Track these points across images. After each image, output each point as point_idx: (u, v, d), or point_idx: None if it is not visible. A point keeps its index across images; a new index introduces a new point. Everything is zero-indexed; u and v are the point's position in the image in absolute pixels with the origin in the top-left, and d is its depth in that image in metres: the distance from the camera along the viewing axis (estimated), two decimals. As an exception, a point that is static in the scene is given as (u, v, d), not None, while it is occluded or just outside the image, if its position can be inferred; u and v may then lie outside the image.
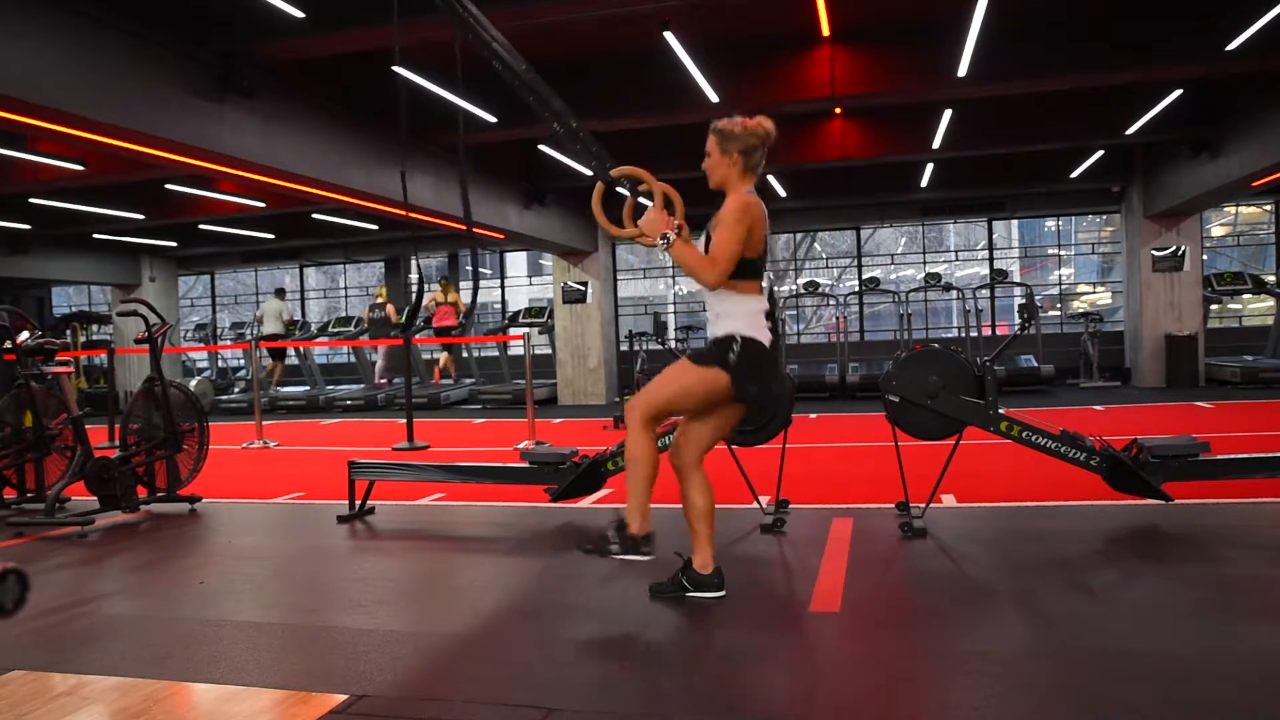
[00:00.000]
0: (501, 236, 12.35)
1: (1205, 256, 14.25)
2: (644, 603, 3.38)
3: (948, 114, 9.89)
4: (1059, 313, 16.67)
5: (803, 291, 15.71)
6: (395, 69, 3.53)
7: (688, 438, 3.43)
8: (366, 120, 8.73)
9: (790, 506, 4.71)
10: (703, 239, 3.34)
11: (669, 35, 7.04)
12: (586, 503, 5.36)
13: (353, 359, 16.32)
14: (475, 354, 16.34)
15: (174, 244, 16.44)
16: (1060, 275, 18.55)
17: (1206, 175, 10.74)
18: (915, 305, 15.08)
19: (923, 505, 4.50)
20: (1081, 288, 19.26)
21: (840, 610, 3.25)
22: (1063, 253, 18.38)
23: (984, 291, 14.81)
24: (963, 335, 15.05)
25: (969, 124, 10.29)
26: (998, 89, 8.74)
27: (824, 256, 20.94)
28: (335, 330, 15.26)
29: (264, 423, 10.15)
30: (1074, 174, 12.98)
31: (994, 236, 17.15)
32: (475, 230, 11.49)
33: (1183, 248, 13.02)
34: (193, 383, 15.10)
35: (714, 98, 8.16)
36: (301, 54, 7.45)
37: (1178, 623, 3.05)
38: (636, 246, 19.05)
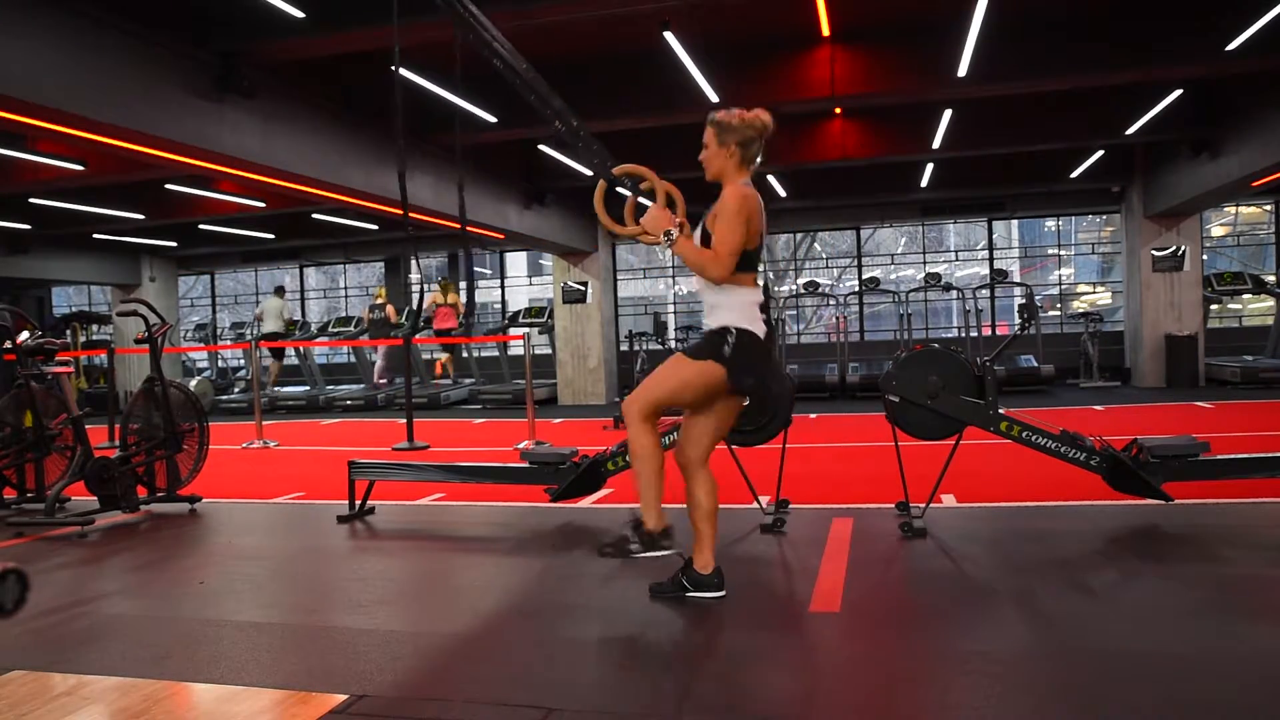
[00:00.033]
0: (501, 236, 12.34)
1: (1205, 256, 14.25)
2: (644, 603, 3.38)
3: (948, 114, 9.89)
4: (1059, 313, 16.67)
5: (803, 291, 15.71)
6: (395, 70, 3.53)
7: (691, 434, 3.43)
8: (366, 120, 8.73)
9: (790, 506, 4.71)
10: (699, 232, 3.34)
11: (669, 35, 7.05)
12: (586, 503, 5.36)
13: (353, 359, 16.33)
14: (475, 354, 16.34)
15: (174, 244, 16.44)
16: (1060, 275, 18.56)
17: (1206, 175, 10.74)
18: (915, 305, 15.08)
19: (923, 505, 4.50)
20: (1081, 288, 19.27)
21: (840, 610, 3.25)
22: (1063, 253, 18.39)
23: (984, 291, 14.81)
24: (963, 335, 15.05)
25: (969, 124, 10.29)
26: (998, 89, 8.74)
27: (824, 256, 20.95)
28: (335, 330, 15.26)
29: (264, 423, 10.15)
30: (1074, 174, 12.98)
31: (994, 236, 17.15)
32: (477, 230, 11.51)
33: (1183, 248, 13.02)
34: (193, 383, 15.10)
35: (714, 98, 8.16)
36: (301, 54, 7.44)
37: (1178, 623, 3.05)
38: (637, 246, 19.06)
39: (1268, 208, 16.15)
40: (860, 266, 17.12)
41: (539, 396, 13.35)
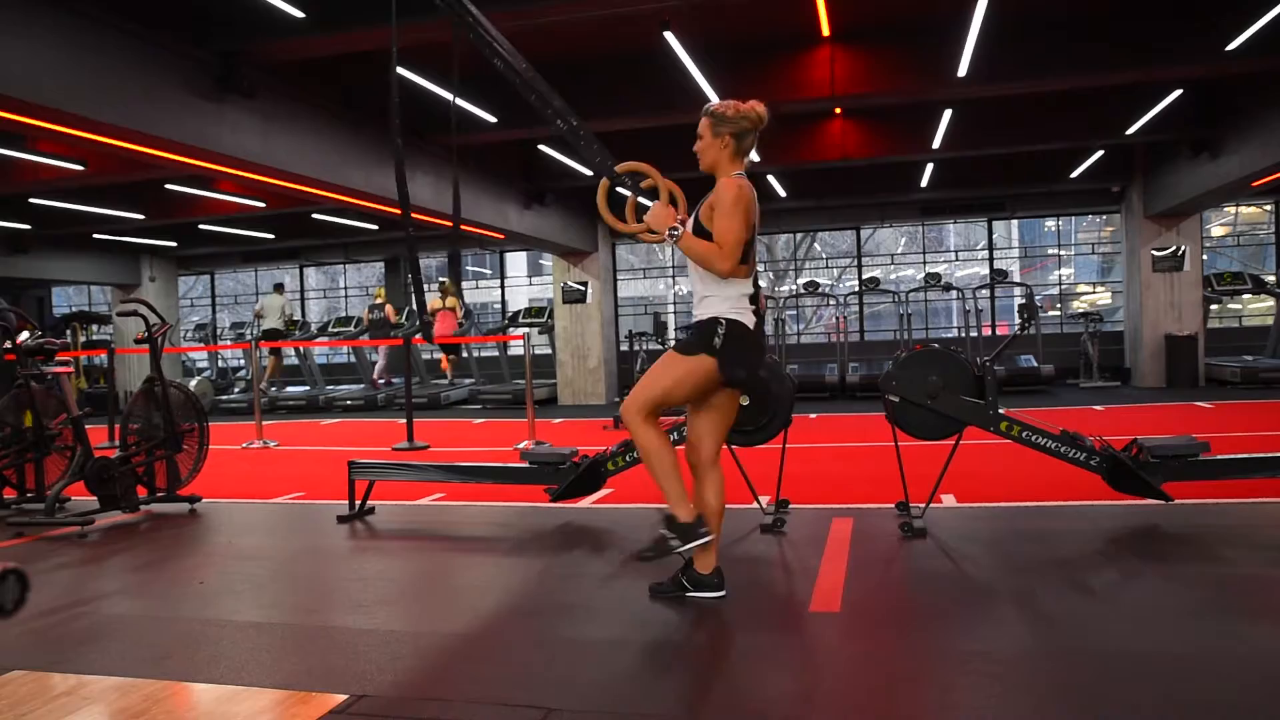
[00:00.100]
0: (501, 236, 12.35)
1: (1205, 256, 14.25)
2: (644, 603, 3.38)
3: (948, 114, 9.89)
4: (1059, 313, 16.67)
5: (803, 291, 15.71)
6: (394, 71, 3.51)
7: (696, 432, 3.44)
8: (366, 120, 8.73)
9: (790, 506, 4.71)
10: (691, 224, 3.34)
11: (669, 35, 7.05)
12: (586, 503, 5.36)
13: (353, 359, 16.33)
14: (475, 354, 16.34)
15: (174, 244, 16.45)
16: (1060, 275, 18.56)
17: (1206, 175, 10.74)
18: (915, 305, 15.09)
19: (923, 505, 4.50)
20: (1081, 288, 19.27)
21: (840, 610, 3.25)
22: (1063, 253, 18.39)
23: (984, 291, 14.82)
24: (963, 335, 15.05)
25: (969, 124, 10.30)
26: (998, 89, 8.73)
27: (824, 256, 20.95)
28: (335, 330, 15.27)
29: (264, 423, 10.15)
30: (1074, 174, 12.99)
31: (994, 236, 17.15)
32: (477, 230, 11.52)
33: (1183, 248, 13.02)
34: (193, 383, 15.10)
35: (714, 98, 8.14)
36: (301, 54, 7.44)
37: (1178, 623, 3.05)
38: (637, 246, 19.07)
39: (1268, 208, 16.15)
40: (860, 266, 17.12)
41: (539, 396, 13.35)
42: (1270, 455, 4.52)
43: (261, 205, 12.41)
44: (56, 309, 19.99)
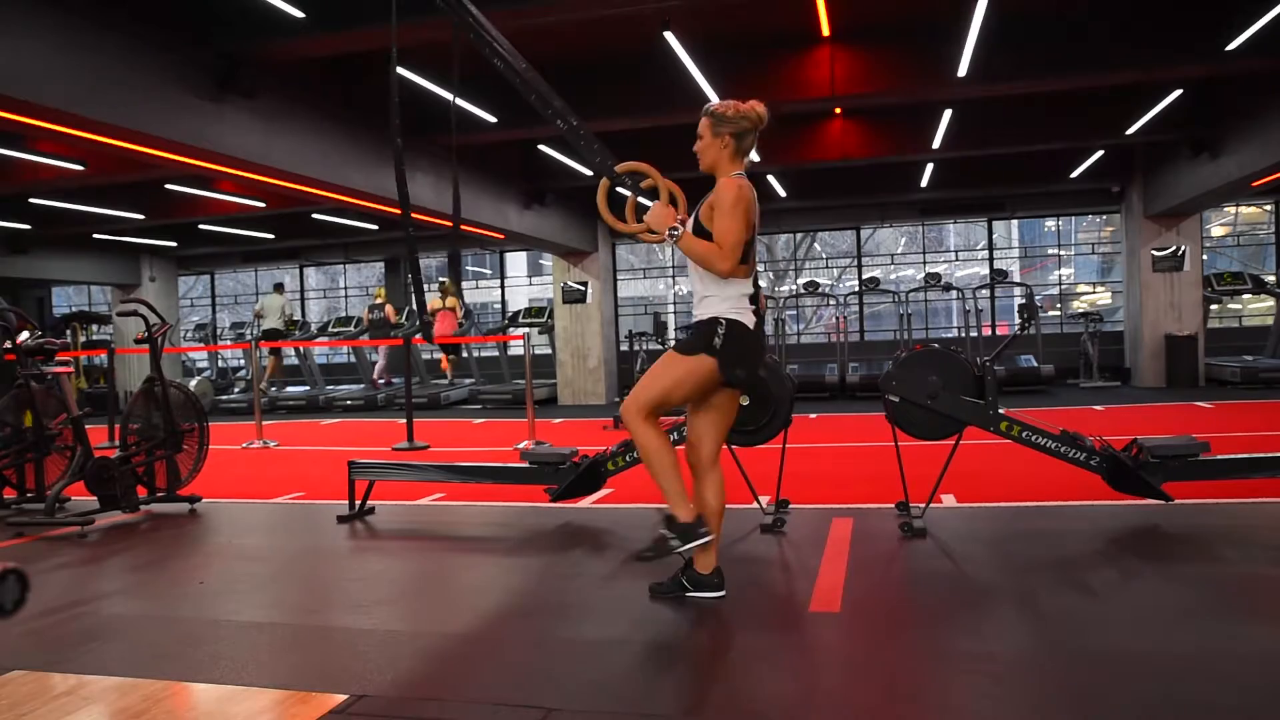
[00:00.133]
0: (501, 236, 12.34)
1: (1205, 256, 14.25)
2: (644, 603, 3.38)
3: (948, 114, 9.89)
4: (1059, 313, 16.68)
5: (803, 291, 15.71)
6: (393, 71, 3.51)
7: (696, 432, 3.43)
8: (366, 120, 8.73)
9: (790, 506, 4.71)
10: (691, 223, 3.34)
11: (669, 35, 7.05)
12: (586, 503, 5.36)
13: (353, 359, 16.33)
14: (475, 354, 16.34)
15: (174, 244, 16.44)
16: (1060, 275, 18.56)
17: (1206, 175, 10.74)
18: (915, 305, 15.09)
19: (923, 505, 4.50)
20: (1081, 288, 19.27)
21: (840, 610, 3.25)
22: (1063, 253, 18.39)
23: (984, 291, 14.82)
24: (963, 335, 15.05)
25: (969, 124, 10.30)
26: (998, 89, 8.73)
27: (824, 256, 20.95)
28: (335, 330, 15.27)
29: (264, 423, 10.15)
30: (1074, 174, 12.98)
31: (994, 236, 17.15)
32: (477, 230, 11.51)
33: (1183, 248, 13.02)
34: (193, 383, 15.10)
35: (714, 98, 8.14)
36: (301, 54, 7.45)
37: (1178, 623, 3.04)
38: (637, 246, 19.07)
39: (1268, 208, 16.15)
40: (860, 266, 17.13)
41: (539, 396, 13.35)
42: (1270, 455, 4.53)
43: (261, 205, 12.40)
44: (56, 309, 19.99)
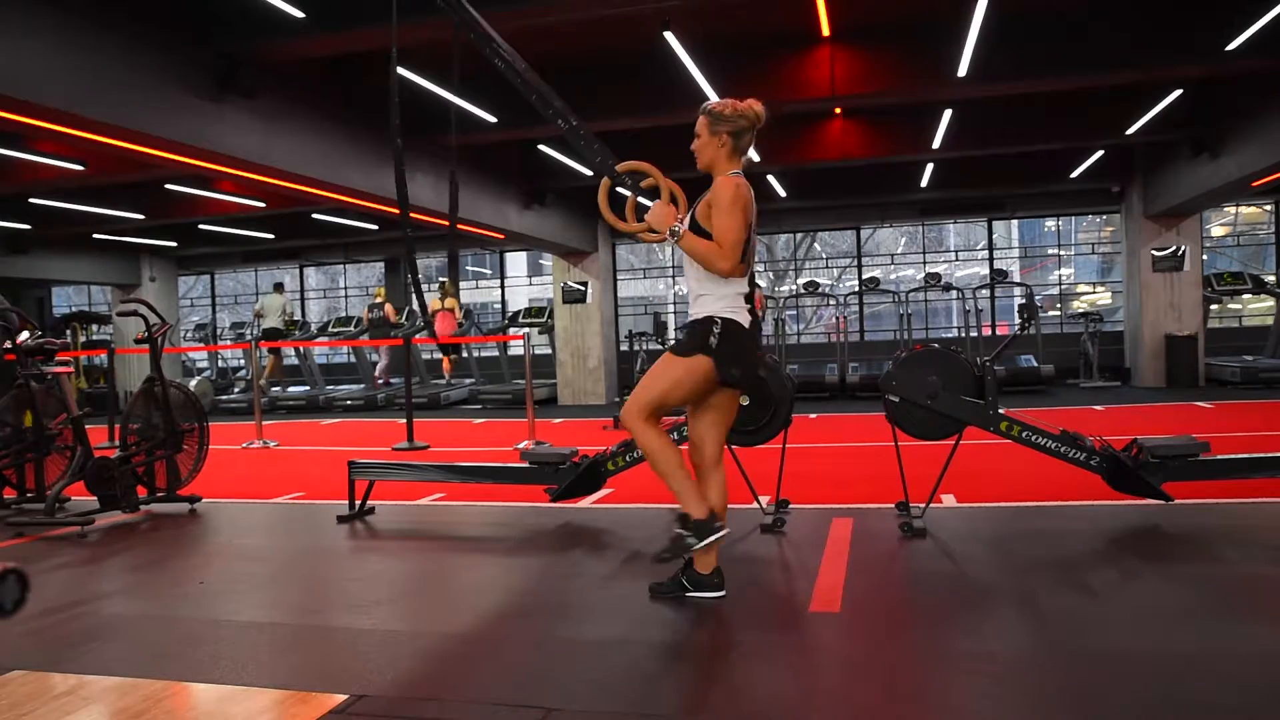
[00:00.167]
0: (501, 236, 12.35)
1: (1205, 256, 14.25)
2: (644, 603, 3.38)
3: (948, 114, 9.89)
4: (1059, 313, 16.68)
5: (803, 291, 15.71)
6: (393, 71, 3.51)
7: (698, 432, 3.44)
8: (366, 120, 8.73)
9: (790, 506, 4.71)
10: (687, 221, 3.34)
11: (669, 35, 7.05)
12: (586, 503, 5.36)
13: (353, 359, 16.33)
14: (475, 354, 16.35)
15: (174, 244, 16.44)
16: (1060, 275, 18.56)
17: (1206, 175, 10.74)
18: (915, 305, 15.09)
19: (923, 505, 4.50)
20: (1081, 288, 19.28)
21: (840, 610, 3.25)
22: (1063, 253, 18.39)
23: (984, 291, 14.82)
24: (963, 335, 15.05)
25: (969, 124, 10.30)
26: (998, 89, 8.73)
27: (824, 256, 20.95)
28: (335, 330, 15.27)
29: (264, 423, 10.15)
30: (1074, 174, 12.98)
31: (994, 236, 17.16)
32: (476, 230, 11.51)
33: (1183, 248, 13.02)
34: (193, 383, 15.11)
35: (714, 97, 8.15)
36: (301, 54, 7.44)
37: (1178, 623, 3.04)
38: (637, 246, 19.08)
39: (1268, 208, 16.15)
40: (860, 266, 17.13)
41: (539, 396, 13.35)
42: (1270, 455, 4.53)
43: (261, 205, 12.41)
44: (56, 309, 19.99)
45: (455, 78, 4.20)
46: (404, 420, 8.93)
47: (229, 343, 17.75)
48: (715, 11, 7.27)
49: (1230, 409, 9.81)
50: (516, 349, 15.37)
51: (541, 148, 11.07)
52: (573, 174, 11.58)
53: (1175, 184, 11.95)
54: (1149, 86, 9.43)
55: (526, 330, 12.57)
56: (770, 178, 13.04)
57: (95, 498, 5.35)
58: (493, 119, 8.81)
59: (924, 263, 18.06)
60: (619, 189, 3.63)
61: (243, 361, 18.03)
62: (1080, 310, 16.05)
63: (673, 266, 18.87)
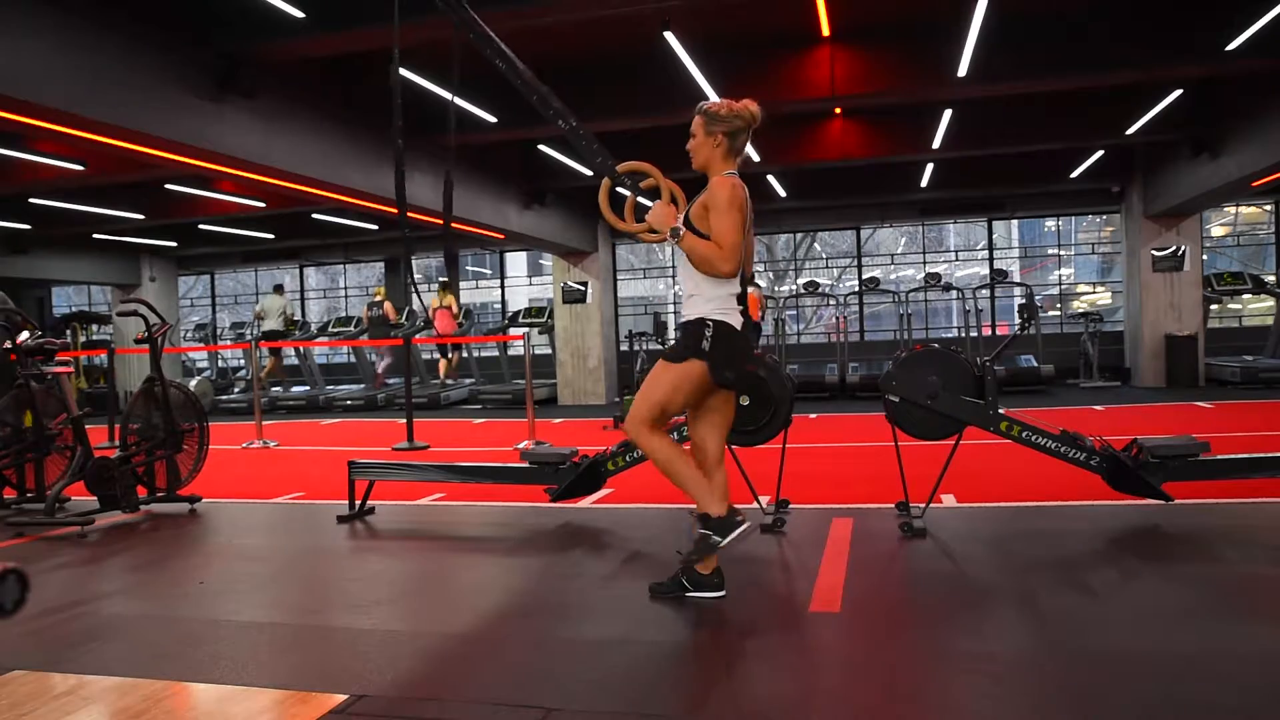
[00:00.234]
0: (501, 236, 12.35)
1: (1205, 256, 14.25)
2: (644, 603, 3.38)
3: (948, 114, 9.89)
4: (1059, 313, 16.68)
5: (803, 291, 15.71)
6: (395, 73, 3.52)
7: (699, 434, 3.44)
8: (366, 120, 8.73)
9: (790, 506, 4.71)
10: (681, 219, 3.34)
11: (669, 35, 7.05)
12: (586, 503, 5.36)
13: (353, 359, 16.33)
14: (475, 354, 16.35)
15: (174, 244, 16.45)
16: (1060, 275, 18.56)
17: (1206, 175, 10.74)
18: (915, 305, 15.08)
19: (923, 505, 4.49)
20: (1081, 288, 19.27)
21: (840, 610, 3.25)
22: (1063, 253, 18.39)
23: (984, 291, 14.82)
24: (963, 335, 15.05)
25: (969, 124, 10.30)
26: (998, 89, 8.73)
27: (824, 256, 20.95)
28: (335, 330, 15.27)
29: (264, 423, 10.15)
30: (1074, 174, 12.98)
31: (994, 236, 17.15)
32: (476, 230, 11.51)
33: (1183, 248, 13.02)
34: (193, 383, 15.11)
35: (714, 97, 8.16)
36: (301, 54, 7.44)
37: (1178, 623, 3.05)
38: (637, 246, 19.08)
39: (1268, 208, 16.15)
40: (860, 266, 17.13)
41: (539, 396, 13.35)
42: (1270, 455, 4.53)
43: (261, 205, 12.41)
44: (56, 309, 20.00)
45: (455, 78, 4.20)
46: (404, 420, 8.93)
47: (229, 343, 17.75)
48: (715, 11, 7.27)
49: (1230, 409, 9.81)
50: (516, 349, 15.36)
51: (541, 148, 11.07)
52: (573, 174, 11.58)
53: (1175, 184, 11.95)
54: (1149, 86, 9.43)
55: (526, 330, 12.57)
56: (770, 178, 13.04)
57: (95, 498, 5.35)
58: (493, 119, 8.81)
59: (924, 263, 18.06)
60: (619, 189, 3.63)
61: (243, 361, 18.03)
62: (1080, 310, 16.05)
63: (672, 267, 18.86)
